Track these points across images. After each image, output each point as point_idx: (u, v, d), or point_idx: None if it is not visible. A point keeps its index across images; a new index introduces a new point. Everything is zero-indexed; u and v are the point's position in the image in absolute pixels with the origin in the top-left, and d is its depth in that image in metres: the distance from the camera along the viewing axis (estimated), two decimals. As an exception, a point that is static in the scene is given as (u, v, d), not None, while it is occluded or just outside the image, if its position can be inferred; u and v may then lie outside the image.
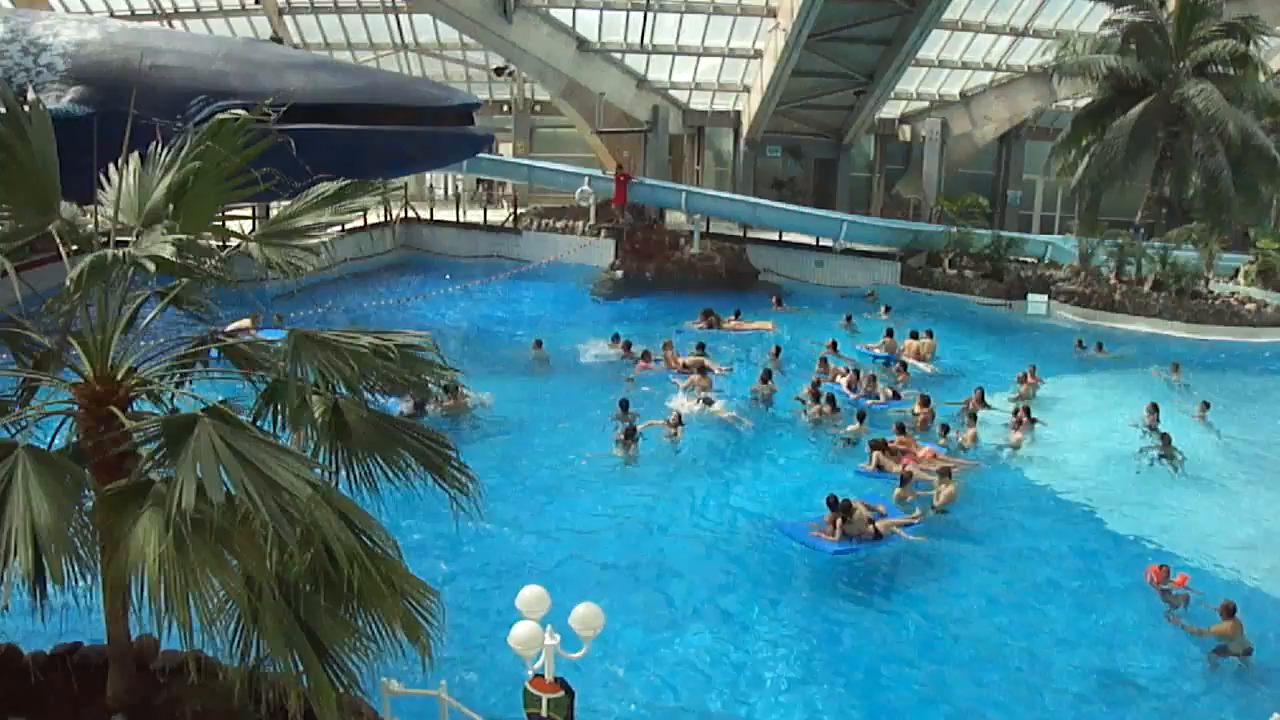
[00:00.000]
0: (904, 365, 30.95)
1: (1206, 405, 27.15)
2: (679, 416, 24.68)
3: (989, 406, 27.13)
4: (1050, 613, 17.68)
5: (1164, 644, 16.66)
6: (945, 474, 21.43)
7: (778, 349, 31.18)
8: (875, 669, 15.91)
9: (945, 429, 25.23)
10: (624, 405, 25.59)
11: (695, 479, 22.74)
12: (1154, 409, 25.74)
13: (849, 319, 37.05)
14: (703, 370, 28.37)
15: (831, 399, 26.73)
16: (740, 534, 20.14)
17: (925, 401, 26.59)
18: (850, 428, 25.11)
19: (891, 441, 23.65)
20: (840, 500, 19.18)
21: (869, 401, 27.20)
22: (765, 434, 25.87)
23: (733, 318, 35.73)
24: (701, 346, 30.91)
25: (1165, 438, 24.18)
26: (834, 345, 32.72)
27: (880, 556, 19.35)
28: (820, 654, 16.25)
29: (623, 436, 23.70)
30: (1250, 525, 21.37)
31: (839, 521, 18.93)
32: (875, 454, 23.06)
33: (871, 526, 19.24)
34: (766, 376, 28.44)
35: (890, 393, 28.06)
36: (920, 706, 15.11)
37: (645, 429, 24.25)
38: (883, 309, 38.48)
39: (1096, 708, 15.19)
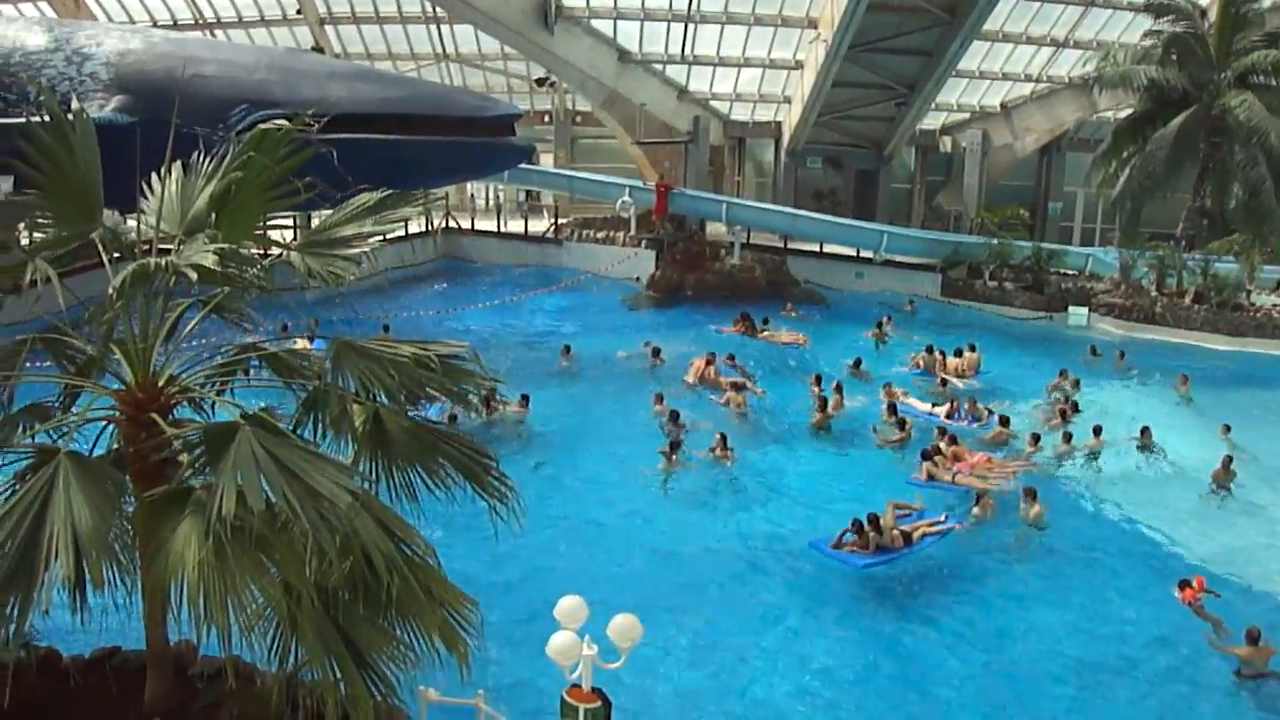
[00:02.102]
0: (944, 381, 30.74)
1: (1228, 428, 26.60)
2: (724, 438, 24.34)
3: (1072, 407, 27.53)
4: (1084, 626, 17.60)
5: (1211, 665, 16.58)
6: (1031, 494, 21.26)
7: (818, 378, 29.92)
8: (913, 685, 15.87)
9: (1036, 438, 25.07)
10: (674, 416, 25.59)
11: (739, 493, 22.78)
12: (1145, 431, 25.51)
13: (879, 327, 36.98)
14: (738, 388, 28.26)
15: (903, 423, 26.59)
16: (778, 550, 20.08)
17: (1005, 422, 26.46)
18: (938, 442, 24.37)
19: (944, 453, 23.45)
20: (867, 516, 19.11)
21: (975, 424, 26.83)
22: (815, 450, 25.93)
23: (764, 325, 35.66)
24: (732, 358, 30.63)
25: (1228, 460, 23.80)
26: (858, 363, 32.64)
27: (912, 568, 19.28)
28: (855, 670, 16.23)
29: (668, 449, 23.67)
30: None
31: (870, 536, 18.87)
32: (925, 464, 22.87)
33: (897, 532, 19.18)
34: (834, 404, 27.86)
35: (988, 412, 27.51)
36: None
37: (690, 431, 24.30)
38: (886, 318, 38.06)
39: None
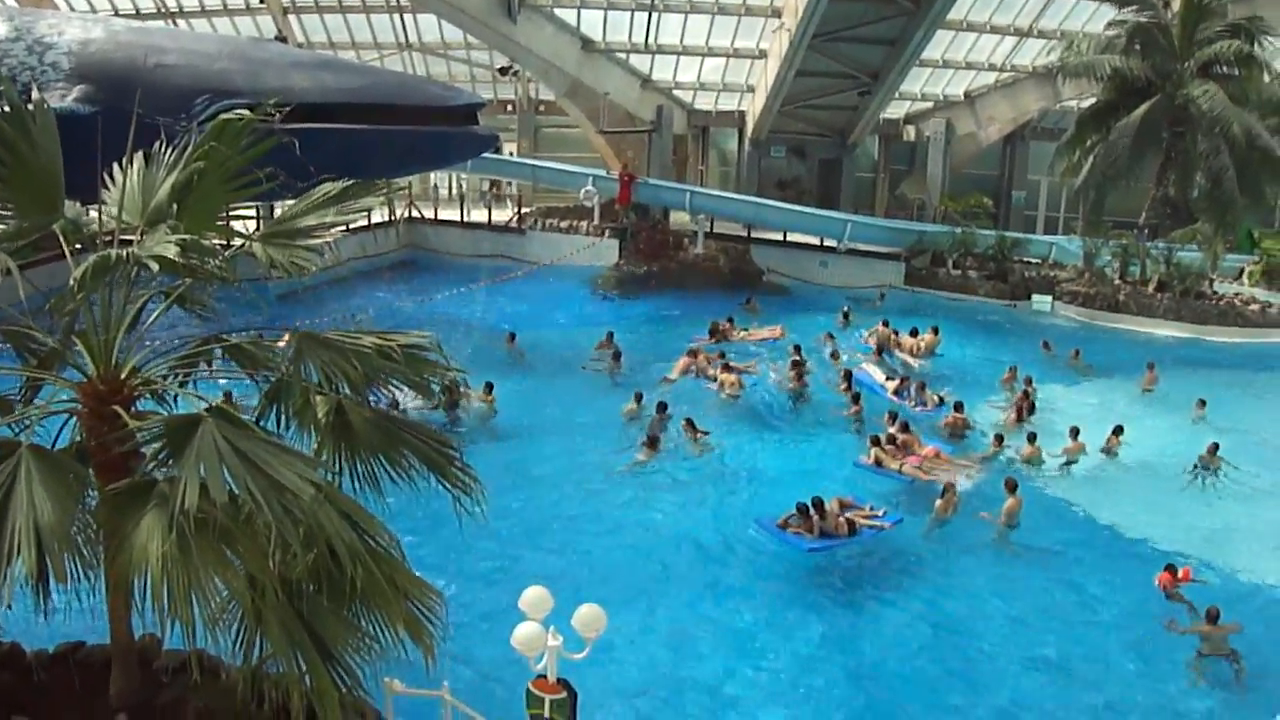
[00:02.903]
0: (880, 350, 31.18)
1: (1203, 403, 27.31)
2: (691, 422, 24.41)
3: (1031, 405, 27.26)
4: (1041, 613, 17.84)
5: (1157, 646, 16.76)
6: (1011, 486, 21.14)
7: (798, 348, 30.89)
8: (861, 666, 16.12)
9: (1000, 439, 24.71)
10: (662, 408, 25.49)
11: (703, 481, 22.81)
12: (1118, 431, 25.25)
13: (845, 316, 37.20)
14: (729, 369, 28.43)
15: (857, 396, 26.83)
16: (729, 533, 20.23)
17: (960, 408, 26.35)
18: (890, 430, 24.24)
19: (897, 439, 23.38)
20: (812, 499, 19.18)
21: (918, 409, 26.71)
22: (775, 433, 26.11)
23: (728, 323, 35.46)
24: (722, 355, 30.79)
25: (1213, 448, 23.93)
26: (830, 336, 33.60)
27: (859, 554, 19.47)
28: (804, 650, 16.41)
29: (646, 442, 23.59)
30: (1261, 526, 21.38)
31: (814, 519, 18.93)
32: (874, 449, 22.84)
33: (843, 520, 19.22)
34: (799, 374, 28.54)
35: (937, 399, 27.34)
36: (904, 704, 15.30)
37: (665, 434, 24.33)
38: (845, 311, 38.14)
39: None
